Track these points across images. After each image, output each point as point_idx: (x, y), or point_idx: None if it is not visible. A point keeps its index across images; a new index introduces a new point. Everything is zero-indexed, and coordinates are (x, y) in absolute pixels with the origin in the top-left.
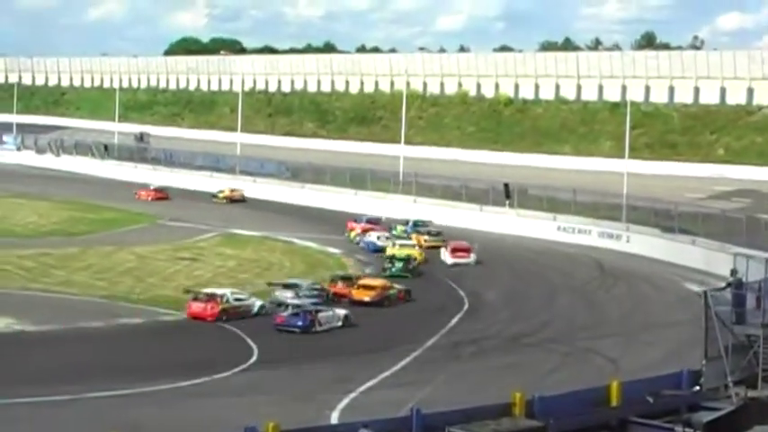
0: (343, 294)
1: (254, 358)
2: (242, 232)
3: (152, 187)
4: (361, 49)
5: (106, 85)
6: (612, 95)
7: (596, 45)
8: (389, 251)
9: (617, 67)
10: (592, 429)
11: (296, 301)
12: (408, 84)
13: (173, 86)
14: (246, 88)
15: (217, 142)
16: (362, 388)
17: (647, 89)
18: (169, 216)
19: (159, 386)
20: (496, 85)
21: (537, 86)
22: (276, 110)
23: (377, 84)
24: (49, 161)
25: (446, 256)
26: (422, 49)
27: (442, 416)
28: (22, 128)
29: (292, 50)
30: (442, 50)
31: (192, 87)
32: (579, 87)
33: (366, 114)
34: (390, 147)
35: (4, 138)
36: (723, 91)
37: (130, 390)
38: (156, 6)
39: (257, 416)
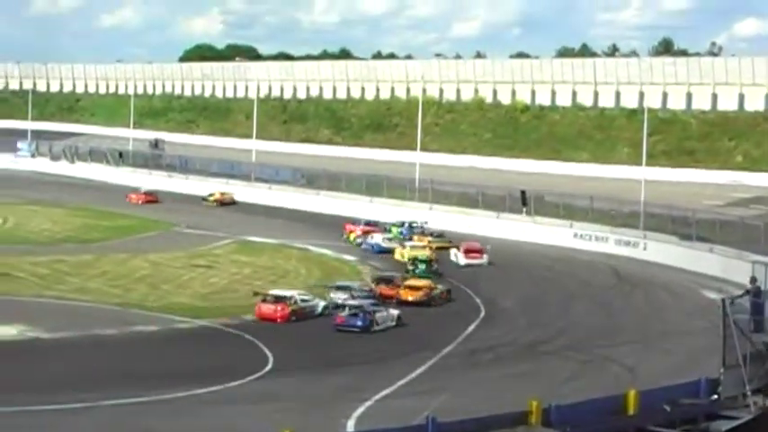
0: (390, 295)
1: (269, 366)
2: (257, 239)
3: (142, 191)
4: (377, 56)
5: (121, 91)
6: (630, 102)
7: (613, 51)
8: (401, 253)
9: (634, 74)
10: None
11: (355, 302)
12: (424, 90)
13: (188, 93)
14: (261, 95)
15: (232, 149)
16: (378, 396)
17: (665, 96)
18: (184, 223)
19: (174, 394)
20: (513, 92)
21: (554, 93)
22: (291, 117)
23: (393, 90)
24: (63, 168)
25: (459, 256)
26: (438, 55)
27: (458, 424)
28: (37, 134)
29: (308, 57)
30: (458, 57)
31: (206, 94)
32: (596, 94)
33: (382, 121)
34: (406, 153)
35: (19, 144)
36: (741, 97)
37: (145, 398)
38: (171, 13)
39: (272, 424)
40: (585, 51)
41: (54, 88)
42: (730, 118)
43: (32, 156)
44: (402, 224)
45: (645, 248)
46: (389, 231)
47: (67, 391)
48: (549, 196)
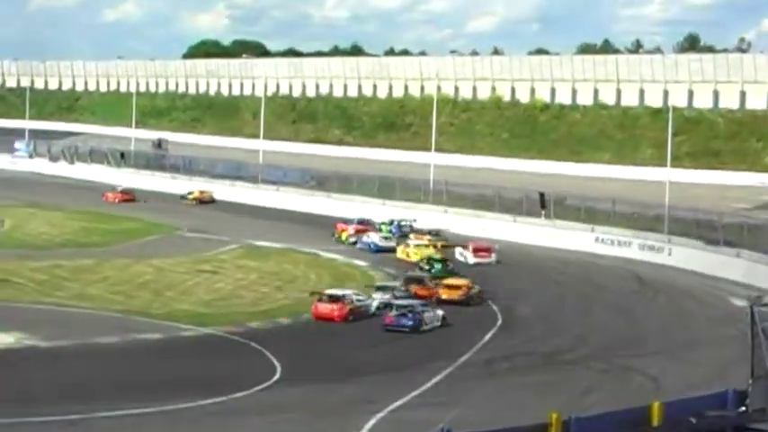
0: (423, 295)
1: (276, 376)
2: (264, 244)
3: (119, 189)
4: (390, 52)
5: (122, 89)
6: (654, 100)
7: (637, 48)
8: (405, 252)
9: (658, 71)
10: None
11: (404, 302)
12: (439, 88)
13: (192, 91)
14: (269, 93)
15: (238, 149)
16: (391, 407)
17: (691, 94)
18: (187, 227)
19: (177, 405)
20: (532, 90)
21: (574, 91)
22: (300, 115)
23: (406, 88)
24: (62, 169)
25: (467, 256)
26: (453, 51)
27: None
28: (35, 134)
29: (318, 53)
30: (475, 53)
31: (212, 92)
32: (619, 92)
33: (395, 120)
34: (420, 154)
35: (17, 145)
36: None
37: (147, 409)
38: (175, 7)
39: None
40: (608, 48)
41: (53, 86)
42: (759, 117)
43: (30, 156)
44: (391, 222)
45: (669, 253)
46: (381, 230)
47: (65, 401)
48: (569, 199)
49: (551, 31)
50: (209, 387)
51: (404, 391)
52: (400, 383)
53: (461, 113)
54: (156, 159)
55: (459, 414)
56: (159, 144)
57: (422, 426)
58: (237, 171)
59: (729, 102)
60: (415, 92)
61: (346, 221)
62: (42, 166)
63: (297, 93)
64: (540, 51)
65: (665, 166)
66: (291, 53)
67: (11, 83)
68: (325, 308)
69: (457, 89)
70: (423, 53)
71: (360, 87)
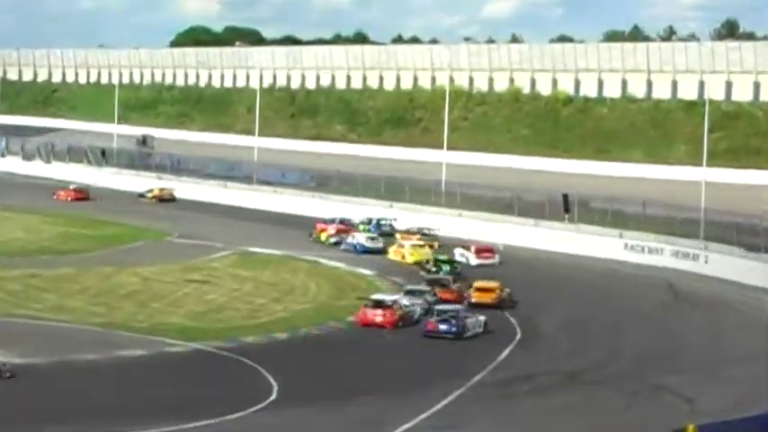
0: (448, 299)
1: (273, 396)
2: (260, 251)
3: (72, 187)
4: (398, 40)
5: (104, 80)
6: (688, 93)
7: (669, 35)
8: (399, 253)
9: (693, 61)
10: None
11: (447, 307)
12: (452, 79)
13: (180, 83)
14: (265, 85)
15: (231, 147)
16: (398, 431)
17: (729, 85)
18: (177, 232)
19: (162, 429)
20: (554, 81)
21: (601, 82)
22: (299, 110)
23: (416, 79)
24: (38, 168)
25: (469, 257)
26: (467, 39)
27: None
28: (7, 130)
29: (318, 41)
30: (491, 41)
31: (202, 84)
32: (650, 83)
33: (403, 115)
34: (431, 152)
35: None
36: None
37: None
38: None
39: None
40: (637, 35)
41: (27, 77)
42: None
43: (2, 155)
44: (369, 221)
45: (706, 261)
46: (368, 231)
47: (37, 425)
48: (596, 201)
49: (575, 16)
50: (199, 409)
51: (411, 413)
52: (407, 405)
53: (476, 107)
54: (141, 158)
55: None
56: (144, 141)
57: None
58: (230, 171)
59: None
60: (425, 84)
61: (326, 221)
62: (16, 165)
63: (295, 85)
64: (564, 39)
65: (701, 164)
66: (289, 41)
67: None
68: (374, 314)
69: (471, 80)
70: (434, 41)
71: (364, 79)
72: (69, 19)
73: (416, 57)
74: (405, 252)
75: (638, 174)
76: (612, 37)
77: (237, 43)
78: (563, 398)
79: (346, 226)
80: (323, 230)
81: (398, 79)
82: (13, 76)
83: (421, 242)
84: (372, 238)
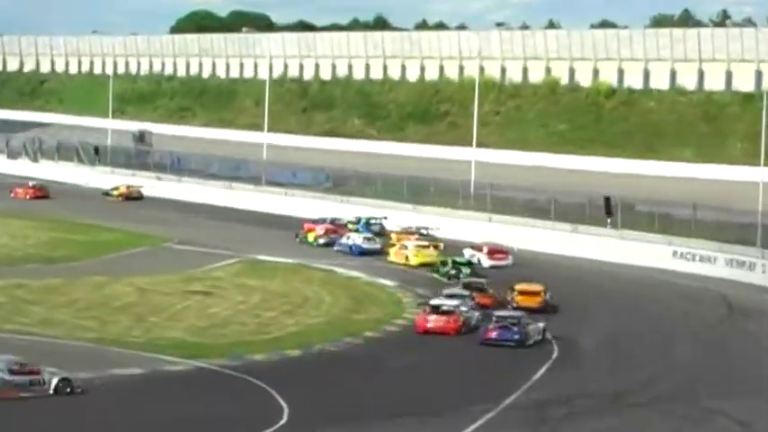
0: (486, 304)
1: (284, 419)
2: (269, 258)
3: (30, 184)
4: (422, 26)
5: (97, 70)
6: (744, 84)
7: (723, 20)
8: (402, 255)
9: (750, 48)
10: None
11: (507, 313)
12: (482, 69)
13: (181, 73)
14: (275, 75)
15: (237, 144)
16: None
17: None
18: (177, 237)
19: None
20: (595, 71)
21: (647, 73)
22: (313, 103)
23: (442, 69)
24: (24, 167)
25: (480, 258)
26: (500, 24)
27: None
28: None
29: (333, 27)
30: (525, 27)
31: (205, 74)
32: (701, 74)
33: (427, 108)
34: (458, 150)
35: None
36: None
37: None
38: None
39: None
40: (688, 20)
41: (12, 66)
42: None
43: None
44: (358, 221)
45: (763, 271)
46: (357, 231)
47: None
48: (641, 204)
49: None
50: None
51: None
52: (431, 430)
53: (509, 100)
54: (138, 156)
55: None
56: (141, 137)
57: None
58: (236, 170)
59: None
60: (452, 74)
61: (316, 221)
62: None
63: (308, 75)
64: (606, 24)
65: (758, 164)
66: (302, 27)
67: None
68: (437, 321)
69: (503, 71)
70: (462, 27)
71: (385, 69)
72: (59, 2)
73: (443, 44)
74: (408, 254)
75: (689, 174)
76: (660, 22)
77: (244, 29)
78: (604, 422)
79: (336, 226)
80: (310, 230)
81: (423, 69)
82: None
83: (425, 242)
84: (369, 239)
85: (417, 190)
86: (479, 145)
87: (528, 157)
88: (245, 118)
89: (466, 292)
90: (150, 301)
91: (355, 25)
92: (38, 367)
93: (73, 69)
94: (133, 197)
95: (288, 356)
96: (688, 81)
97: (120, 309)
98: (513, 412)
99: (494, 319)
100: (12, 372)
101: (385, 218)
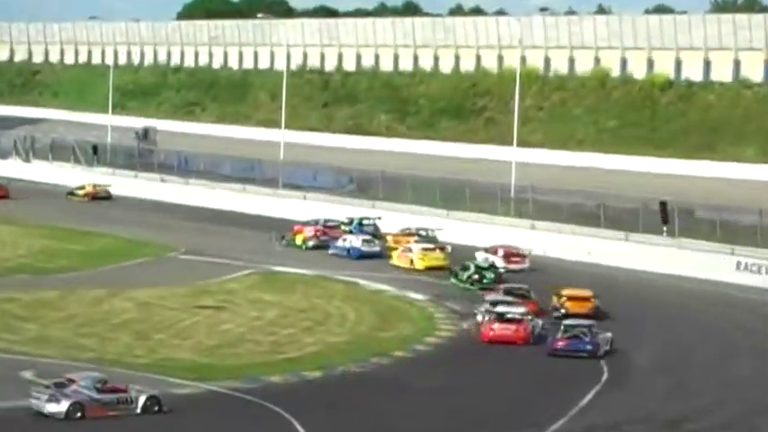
0: (531, 312)
1: None
2: (287, 270)
3: None
4: (457, 11)
5: (95, 60)
6: None
7: None
8: (406, 259)
9: None
10: None
11: (577, 321)
12: (523, 59)
13: (189, 64)
14: (293, 66)
15: (251, 142)
16: None
17: None
18: (184, 246)
19: None
20: (649, 62)
21: (707, 63)
22: (335, 96)
23: (478, 60)
24: (15, 168)
25: (496, 262)
26: (543, 9)
27: None
28: None
29: (358, 12)
30: (572, 12)
31: (216, 65)
32: None
33: (463, 103)
34: (497, 149)
35: None
36: None
37: None
38: None
39: None
40: (753, 4)
41: (2, 56)
42: None
43: None
44: (350, 221)
45: None
46: (350, 232)
47: None
48: (701, 210)
49: None
50: None
51: None
52: None
53: (553, 94)
54: (141, 156)
55: None
56: (145, 135)
57: None
58: (250, 172)
59: None
60: (490, 65)
61: (307, 223)
62: None
63: (330, 66)
64: (662, 9)
65: None
66: (323, 12)
67: None
68: (505, 329)
69: (547, 61)
70: (501, 12)
71: (415, 59)
72: None
73: (480, 32)
74: (413, 257)
75: (754, 175)
76: (722, 7)
77: (260, 15)
78: None
79: (327, 227)
80: (298, 232)
81: (457, 59)
82: None
83: (431, 245)
84: (368, 241)
85: (451, 194)
86: (520, 144)
87: (574, 158)
88: (260, 113)
89: (510, 299)
90: (154, 316)
91: (383, 11)
92: (124, 385)
93: (69, 59)
94: (100, 197)
95: (307, 379)
96: (753, 73)
97: (120, 325)
98: None
99: (562, 328)
100: (99, 390)
101: (379, 218)
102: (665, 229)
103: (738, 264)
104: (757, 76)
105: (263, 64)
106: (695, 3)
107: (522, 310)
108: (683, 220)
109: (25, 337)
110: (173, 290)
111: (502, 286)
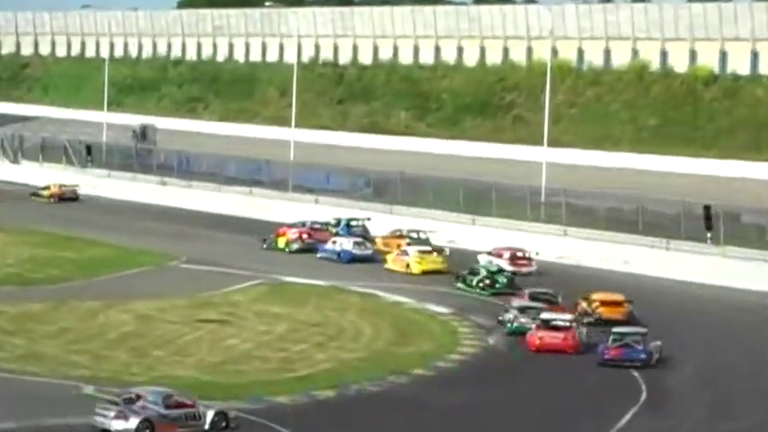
0: None
1: None
2: (297, 280)
3: None
4: None
5: (89, 53)
6: None
7: None
8: (403, 262)
9: None
10: None
11: (626, 329)
12: (555, 51)
13: (191, 56)
14: (305, 59)
15: (258, 141)
16: None
17: None
18: (185, 254)
19: None
20: (691, 54)
21: (755, 55)
22: (350, 92)
23: (505, 52)
24: (1, 170)
25: (502, 265)
26: None
27: None
28: None
29: (375, 0)
30: (607, 0)
31: (220, 58)
32: None
33: (489, 99)
34: (526, 149)
35: None
36: None
37: None
38: None
39: None
40: None
41: None
42: None
43: None
44: (338, 223)
45: None
46: (338, 234)
47: None
48: (748, 215)
49: None
50: None
51: None
52: None
53: (588, 89)
54: (139, 156)
55: None
56: (143, 134)
57: None
58: (257, 173)
59: None
60: (518, 57)
61: (292, 225)
62: None
63: (345, 59)
64: None
65: None
66: (337, 0)
67: None
68: (553, 337)
69: (581, 53)
70: (531, 0)
71: (437, 51)
72: None
73: (507, 21)
74: (410, 261)
75: None
76: None
77: (268, 2)
78: None
79: (313, 230)
80: (281, 235)
81: (483, 51)
82: None
83: (428, 248)
84: (359, 243)
85: (476, 198)
86: (551, 144)
87: (610, 158)
88: (269, 110)
89: (540, 306)
90: (153, 331)
91: None
92: (192, 400)
93: (60, 52)
94: (67, 197)
95: (319, 398)
96: None
97: (116, 340)
98: None
99: (611, 336)
100: (167, 405)
101: (368, 219)
102: (709, 235)
103: None
104: None
105: (272, 56)
106: None
107: (568, 316)
108: (729, 225)
109: (13, 354)
110: (173, 302)
111: (527, 291)
